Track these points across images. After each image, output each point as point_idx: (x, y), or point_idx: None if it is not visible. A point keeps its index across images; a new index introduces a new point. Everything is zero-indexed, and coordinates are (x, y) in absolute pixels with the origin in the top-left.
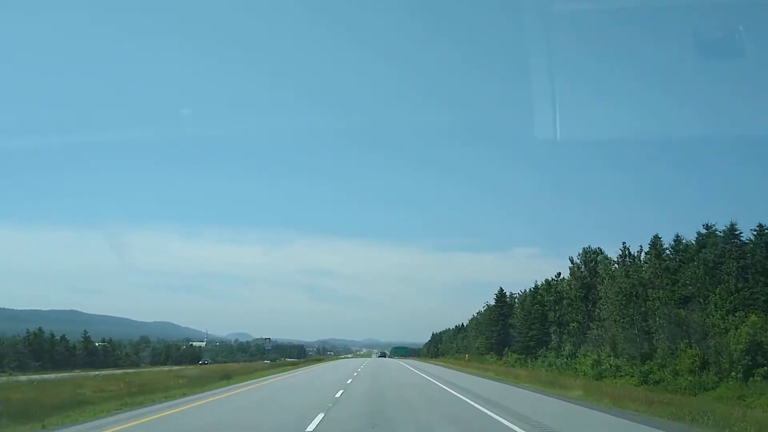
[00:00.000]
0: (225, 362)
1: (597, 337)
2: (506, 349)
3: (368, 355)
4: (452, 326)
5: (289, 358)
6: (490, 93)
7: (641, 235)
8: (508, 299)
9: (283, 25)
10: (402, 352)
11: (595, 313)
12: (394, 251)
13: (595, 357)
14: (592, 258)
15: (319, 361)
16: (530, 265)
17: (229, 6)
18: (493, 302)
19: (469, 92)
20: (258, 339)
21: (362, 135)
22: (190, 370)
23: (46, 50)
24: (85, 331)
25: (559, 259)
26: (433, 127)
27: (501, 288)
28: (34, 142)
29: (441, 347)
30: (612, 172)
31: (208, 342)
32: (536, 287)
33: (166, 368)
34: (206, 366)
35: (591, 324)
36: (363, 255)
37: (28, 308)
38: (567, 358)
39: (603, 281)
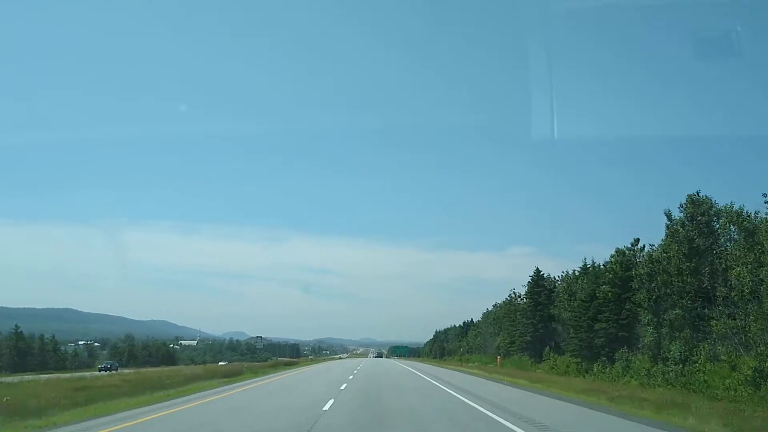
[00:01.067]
0: (206, 362)
1: (738, 331)
2: (546, 348)
3: (365, 355)
4: (452, 324)
5: (281, 357)
6: (488, 93)
7: (640, 232)
8: (547, 283)
9: (279, 24)
10: (401, 351)
11: (719, 293)
12: (390, 250)
13: (754, 364)
14: (704, 210)
15: (288, 366)
16: (528, 264)
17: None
18: (519, 290)
19: (468, 91)
20: (251, 338)
21: (359, 134)
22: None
23: (44, 48)
24: (16, 325)
25: (555, 258)
26: (432, 126)
27: (537, 268)
28: (30, 140)
29: (447, 347)
30: (611, 170)
31: (200, 341)
32: (590, 266)
33: (78, 374)
34: (106, 373)
35: (711, 309)
36: (360, 253)
37: (22, 306)
38: (678, 365)
39: (729, 243)
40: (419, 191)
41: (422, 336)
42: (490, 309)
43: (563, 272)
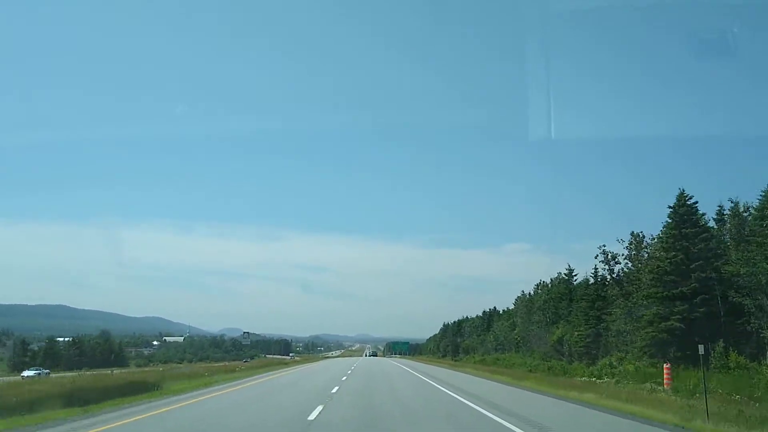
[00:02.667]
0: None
1: None
2: (719, 343)
3: (360, 352)
4: (464, 315)
5: (269, 354)
6: (487, 92)
7: (637, 229)
8: (696, 217)
9: (277, 24)
10: (402, 348)
11: None
12: (385, 247)
13: None
14: None
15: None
16: (523, 261)
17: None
18: (611, 248)
19: (466, 90)
20: (243, 334)
21: (355, 132)
22: None
23: (38, 47)
24: None
25: (551, 255)
26: (429, 125)
27: (682, 190)
28: (24, 138)
29: (464, 343)
30: (608, 169)
31: (187, 338)
32: None
33: None
34: None
35: None
36: (355, 251)
37: (14, 303)
38: None
39: None
40: (415, 189)
41: (418, 332)
42: (528, 292)
43: (729, 202)
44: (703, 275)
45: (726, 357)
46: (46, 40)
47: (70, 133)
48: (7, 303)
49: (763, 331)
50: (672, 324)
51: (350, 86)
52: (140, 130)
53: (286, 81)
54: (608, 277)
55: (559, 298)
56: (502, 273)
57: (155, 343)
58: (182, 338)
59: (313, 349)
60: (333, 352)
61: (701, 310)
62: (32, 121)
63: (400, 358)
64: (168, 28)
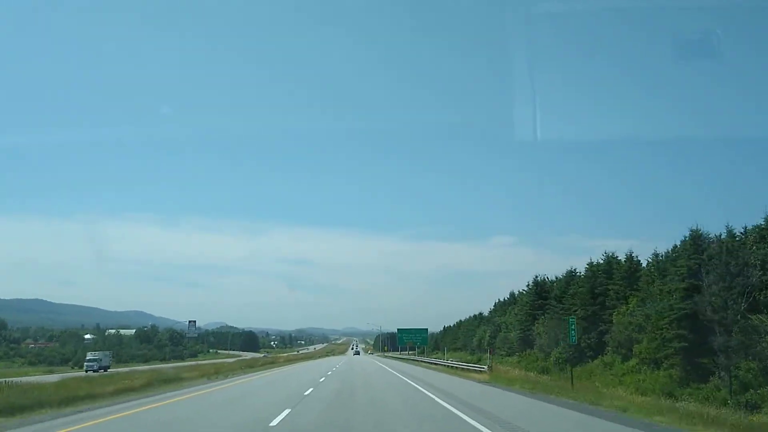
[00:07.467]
0: None
1: None
2: None
3: (347, 346)
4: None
5: (226, 350)
6: (475, 91)
7: (624, 230)
8: None
9: (267, 30)
10: (416, 338)
11: None
12: (371, 241)
13: None
14: None
15: None
16: (508, 254)
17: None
18: None
19: (454, 90)
20: (188, 324)
21: (342, 128)
22: None
23: (25, 47)
24: None
25: (536, 248)
26: (419, 123)
27: None
28: (7, 136)
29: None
30: (591, 168)
31: (151, 327)
32: None
33: None
34: None
35: None
36: (341, 244)
37: None
38: None
39: None
40: (402, 184)
41: (408, 325)
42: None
43: None
44: None
45: None
46: (36, 40)
47: (55, 131)
48: None
49: None
50: None
51: (336, 86)
52: (125, 128)
53: (272, 82)
54: None
55: None
56: (488, 265)
57: (88, 336)
58: (134, 331)
59: (291, 342)
60: (309, 348)
61: None
62: (18, 119)
63: (412, 363)
64: (156, 29)
